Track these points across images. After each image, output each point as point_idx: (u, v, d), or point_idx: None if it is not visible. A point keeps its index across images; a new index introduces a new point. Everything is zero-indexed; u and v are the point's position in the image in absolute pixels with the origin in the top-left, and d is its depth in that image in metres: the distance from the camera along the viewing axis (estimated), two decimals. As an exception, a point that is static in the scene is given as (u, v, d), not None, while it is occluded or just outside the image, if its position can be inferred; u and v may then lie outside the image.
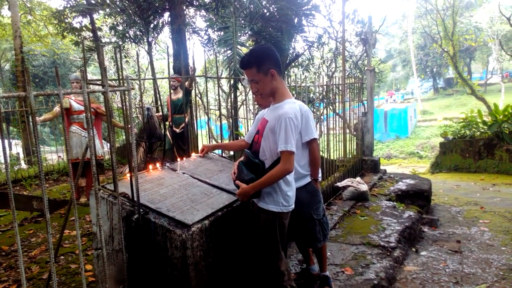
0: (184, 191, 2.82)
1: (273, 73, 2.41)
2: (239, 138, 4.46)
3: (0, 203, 4.75)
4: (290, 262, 3.59)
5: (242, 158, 2.61)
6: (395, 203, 5.57)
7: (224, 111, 13.95)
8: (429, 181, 6.88)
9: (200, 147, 3.64)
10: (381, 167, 7.80)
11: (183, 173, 3.16)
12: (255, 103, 4.22)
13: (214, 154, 3.82)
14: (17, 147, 14.05)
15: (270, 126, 2.41)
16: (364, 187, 5.62)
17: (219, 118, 4.59)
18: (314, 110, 5.97)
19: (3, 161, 11.33)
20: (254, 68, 2.40)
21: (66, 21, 11.81)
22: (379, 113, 30.32)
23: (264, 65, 2.39)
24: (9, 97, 1.68)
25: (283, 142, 2.30)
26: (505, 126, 10.74)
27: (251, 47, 11.21)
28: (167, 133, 6.27)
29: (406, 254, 4.14)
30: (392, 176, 7.43)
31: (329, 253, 3.72)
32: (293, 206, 2.51)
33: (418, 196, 6.20)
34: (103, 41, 12.81)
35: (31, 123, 10.77)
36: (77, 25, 11.97)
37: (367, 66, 7.84)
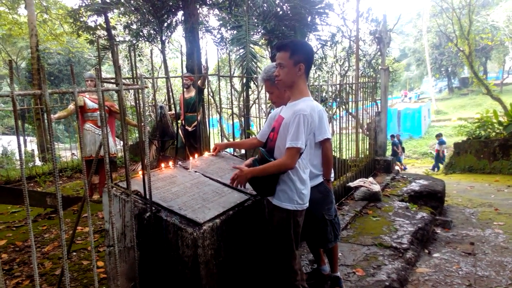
0: (196, 189, 2.83)
1: (301, 67, 2.39)
2: (251, 136, 4.45)
3: (15, 199, 4.82)
4: (301, 262, 3.58)
5: (257, 156, 2.59)
6: (407, 204, 5.51)
7: (236, 110, 13.97)
8: (443, 182, 6.79)
9: (212, 146, 3.66)
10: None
11: (195, 171, 3.17)
12: (268, 101, 4.21)
13: (226, 152, 3.83)
14: (31, 144, 14.27)
15: (285, 123, 2.39)
16: (376, 188, 5.58)
17: (231, 117, 4.60)
18: (327, 109, 5.94)
19: (18, 157, 11.52)
20: (288, 52, 2.39)
21: (81, 20, 11.94)
22: (392, 113, 30.03)
23: (297, 54, 2.38)
24: (25, 95, 1.70)
25: (293, 139, 2.28)
26: (522, 127, 10.55)
27: (263, 46, 11.16)
28: (179, 131, 6.30)
29: (418, 255, 4.09)
30: (405, 176, 7.35)
31: (340, 254, 3.69)
32: (307, 204, 2.50)
33: (431, 197, 6.13)
34: (117, 39, 12.94)
35: (46, 121, 10.92)
36: (92, 24, 12.11)
37: (381, 65, 7.77)
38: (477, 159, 11.53)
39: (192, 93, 6.40)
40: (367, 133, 7.48)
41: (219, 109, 5.28)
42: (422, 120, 31.52)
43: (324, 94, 7.98)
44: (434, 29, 37.25)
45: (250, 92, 11.94)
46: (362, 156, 6.81)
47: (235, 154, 4.14)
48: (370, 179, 5.93)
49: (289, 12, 8.82)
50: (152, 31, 10.62)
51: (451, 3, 23.29)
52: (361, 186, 5.56)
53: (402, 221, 4.73)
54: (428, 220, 4.88)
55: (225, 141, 9.96)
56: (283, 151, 2.41)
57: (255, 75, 6.93)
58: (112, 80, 2.77)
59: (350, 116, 6.24)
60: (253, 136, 4.05)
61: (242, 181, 2.44)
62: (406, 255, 3.84)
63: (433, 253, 4.31)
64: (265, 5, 7.99)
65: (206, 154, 3.67)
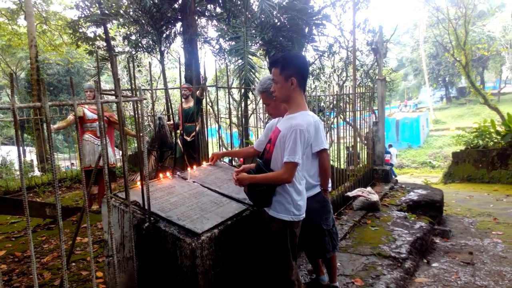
0: (194, 199, 2.84)
1: (293, 81, 2.41)
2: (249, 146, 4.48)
3: (14, 210, 4.81)
4: (299, 272, 3.57)
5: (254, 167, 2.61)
6: (406, 213, 5.52)
7: (234, 120, 14.01)
8: (441, 192, 6.81)
9: (210, 156, 3.68)
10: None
11: (193, 181, 3.18)
12: (266, 112, 4.25)
13: (224, 163, 3.85)
14: (31, 154, 14.24)
15: (282, 136, 2.41)
16: (375, 197, 5.59)
17: (229, 127, 4.63)
18: (325, 119, 5.97)
19: (17, 167, 11.50)
20: (279, 68, 2.42)
21: (81, 30, 12.04)
22: (390, 122, 30.15)
23: (287, 69, 2.40)
24: (26, 108, 1.72)
25: (290, 153, 2.30)
26: (519, 136, 10.60)
27: (261, 56, 11.24)
28: (178, 141, 6.32)
29: (417, 265, 4.09)
30: (403, 186, 7.37)
31: (339, 264, 3.70)
32: (304, 215, 2.51)
33: (430, 207, 6.13)
34: (117, 50, 13.02)
35: (45, 131, 10.93)
36: (91, 35, 12.20)
37: (378, 76, 7.84)
38: (475, 168, 11.56)
39: (191, 103, 6.43)
40: (365, 142, 7.51)
41: (217, 119, 5.31)
42: (421, 129, 31.63)
43: (322, 104, 8.02)
44: (430, 40, 37.53)
45: (248, 102, 12.00)
46: (360, 165, 6.83)
47: (233, 164, 4.16)
48: (369, 188, 5.94)
49: (286, 23, 8.91)
50: (151, 42, 10.69)
51: (447, 14, 23.48)
52: (360, 195, 5.56)
53: (400, 230, 4.73)
54: (427, 230, 4.89)
55: (224, 150, 9.98)
56: (279, 164, 2.43)
57: (253, 86, 6.98)
58: (112, 92, 2.80)
59: (348, 126, 6.27)
60: (251, 145, 4.08)
61: (242, 184, 2.53)
62: (404, 265, 3.84)
63: (432, 262, 4.31)
64: (263, 16, 8.07)
65: (204, 164, 3.69)
